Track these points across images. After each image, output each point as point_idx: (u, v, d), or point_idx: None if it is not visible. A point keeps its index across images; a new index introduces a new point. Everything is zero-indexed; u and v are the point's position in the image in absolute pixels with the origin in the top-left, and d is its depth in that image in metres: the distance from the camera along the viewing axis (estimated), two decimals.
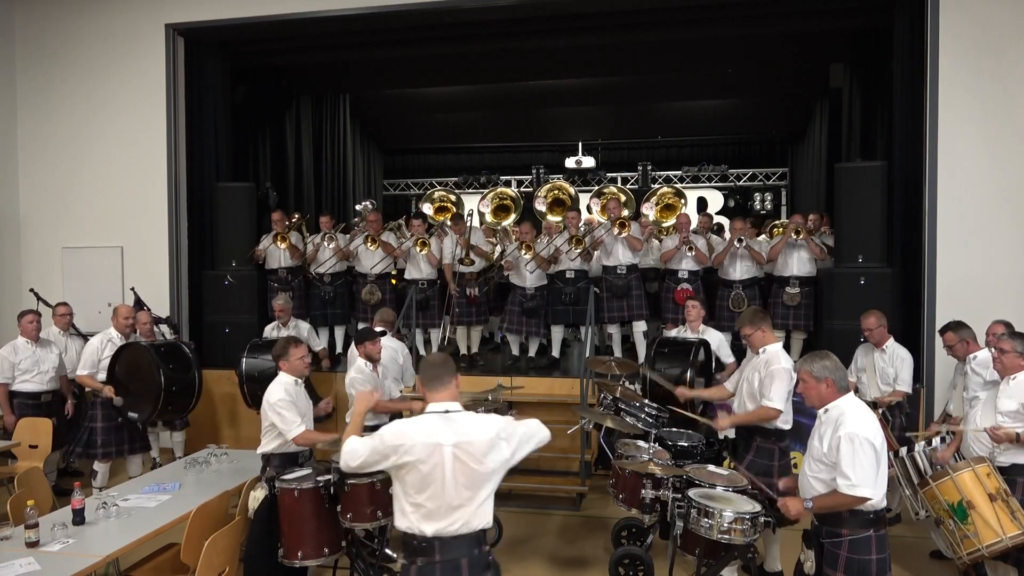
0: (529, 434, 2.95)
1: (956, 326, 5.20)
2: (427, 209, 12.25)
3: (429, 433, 2.80)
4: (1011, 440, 4.05)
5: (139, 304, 7.55)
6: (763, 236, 8.37)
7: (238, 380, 6.62)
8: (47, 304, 7.33)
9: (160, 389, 5.83)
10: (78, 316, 7.07)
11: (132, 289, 7.79)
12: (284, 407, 4.31)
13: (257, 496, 4.12)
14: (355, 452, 2.83)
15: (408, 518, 2.80)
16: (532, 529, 5.78)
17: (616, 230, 7.19)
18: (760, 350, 4.49)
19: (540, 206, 12.20)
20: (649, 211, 11.61)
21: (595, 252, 7.46)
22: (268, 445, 4.43)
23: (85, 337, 6.91)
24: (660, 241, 7.95)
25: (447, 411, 2.87)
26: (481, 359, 7.94)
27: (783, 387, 4.30)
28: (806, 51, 9.62)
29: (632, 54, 9.60)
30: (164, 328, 7.29)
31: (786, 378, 4.30)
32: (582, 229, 7.76)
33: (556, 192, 12.27)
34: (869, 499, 3.12)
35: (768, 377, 4.32)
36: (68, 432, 6.54)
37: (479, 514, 2.80)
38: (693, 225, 7.77)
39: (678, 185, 12.83)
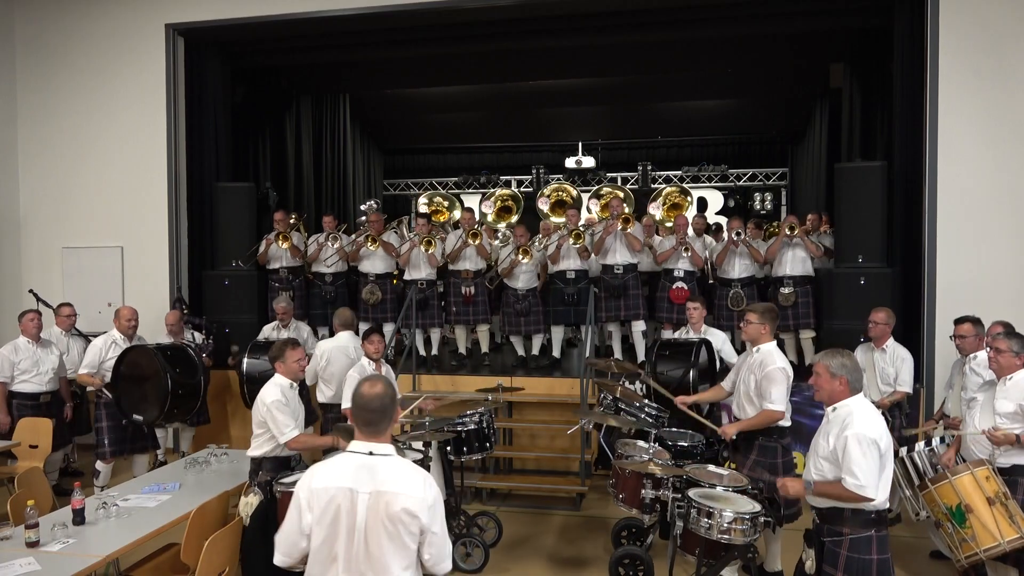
0: (440, 545, 2.41)
1: (976, 320, 5.15)
2: (422, 208, 12.29)
3: (339, 476, 2.42)
4: (1011, 442, 4.04)
5: (180, 303, 7.56)
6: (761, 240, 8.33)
7: (238, 380, 6.62)
8: (47, 305, 7.32)
9: (167, 393, 5.80)
10: (78, 316, 7.07)
11: (178, 288, 7.83)
12: (278, 409, 4.24)
13: (251, 502, 4.03)
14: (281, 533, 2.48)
15: None
16: (532, 529, 5.78)
17: (620, 225, 7.19)
18: (754, 349, 4.49)
19: (543, 206, 12.23)
20: (656, 211, 11.64)
21: (595, 255, 7.46)
22: (261, 448, 4.33)
23: (86, 337, 6.91)
24: (652, 247, 7.91)
25: (371, 453, 2.45)
26: (487, 359, 7.95)
27: (782, 388, 4.33)
28: (806, 51, 9.62)
29: (632, 54, 9.60)
30: (196, 334, 7.17)
31: (783, 378, 4.33)
32: (581, 227, 7.78)
33: (559, 193, 12.31)
34: (872, 500, 3.14)
35: (766, 379, 4.34)
36: (67, 433, 6.54)
37: None
38: (690, 227, 7.77)
39: (680, 185, 12.85)
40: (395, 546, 2.34)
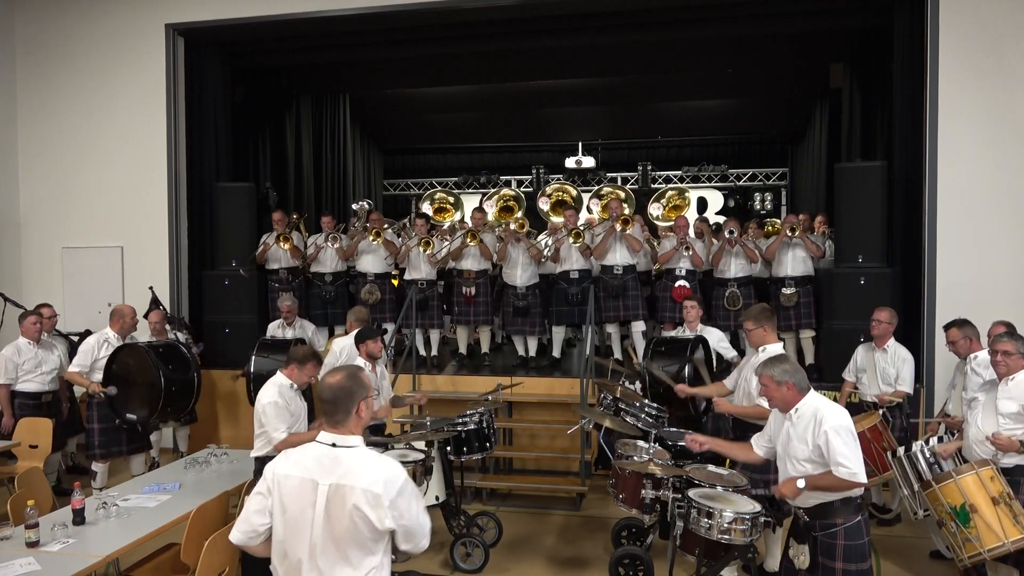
0: (411, 528, 2.35)
1: (961, 323, 5.16)
2: (426, 208, 12.29)
3: (302, 466, 2.37)
4: (1015, 449, 4.04)
5: (156, 303, 7.54)
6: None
7: (245, 379, 6.61)
8: (18, 306, 7.19)
9: (160, 390, 5.79)
10: (78, 316, 7.05)
11: (151, 288, 7.78)
12: (273, 410, 4.27)
13: None
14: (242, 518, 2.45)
15: None
16: (532, 529, 5.78)
17: (619, 226, 7.19)
18: (760, 349, 4.49)
19: (544, 206, 12.24)
20: (657, 211, 11.66)
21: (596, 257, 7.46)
22: (263, 449, 4.35)
23: (67, 337, 6.89)
24: (654, 247, 7.91)
25: (335, 444, 2.38)
26: (487, 359, 7.94)
27: None
28: (806, 51, 9.63)
29: (632, 54, 9.60)
30: (179, 334, 7.11)
31: None
32: (580, 227, 7.77)
33: (560, 194, 12.32)
34: (863, 483, 3.22)
35: None
36: (65, 433, 6.53)
37: None
38: (691, 228, 7.77)
39: (679, 185, 12.86)
40: (352, 539, 2.30)
